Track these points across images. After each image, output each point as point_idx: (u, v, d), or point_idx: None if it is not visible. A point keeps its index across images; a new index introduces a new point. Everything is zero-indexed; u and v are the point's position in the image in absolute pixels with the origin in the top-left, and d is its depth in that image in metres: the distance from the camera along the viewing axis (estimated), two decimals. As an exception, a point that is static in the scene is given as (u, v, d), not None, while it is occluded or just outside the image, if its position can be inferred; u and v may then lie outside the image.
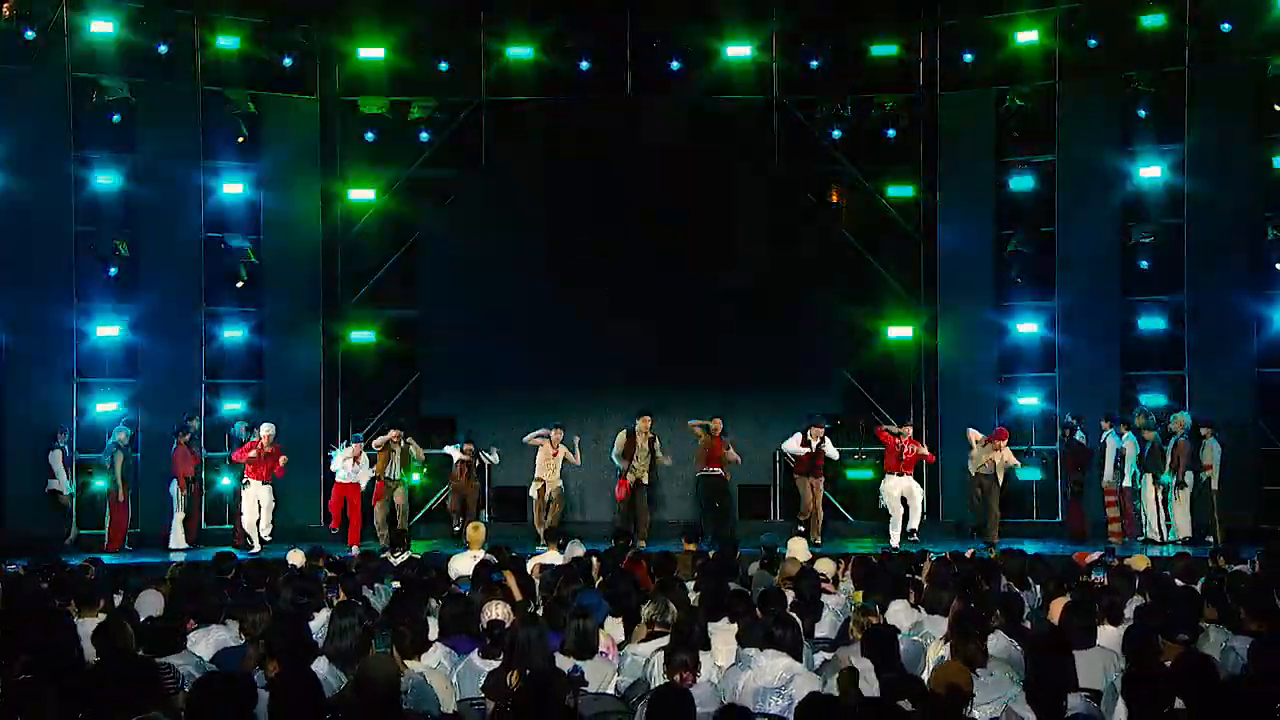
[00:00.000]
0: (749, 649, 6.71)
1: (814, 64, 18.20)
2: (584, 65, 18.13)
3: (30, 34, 16.29)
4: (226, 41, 17.35)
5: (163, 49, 17.05)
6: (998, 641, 7.22)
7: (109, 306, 16.82)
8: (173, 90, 17.27)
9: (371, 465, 16.10)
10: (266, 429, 15.96)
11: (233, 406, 17.49)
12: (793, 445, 16.14)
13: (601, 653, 7.13)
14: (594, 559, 10.87)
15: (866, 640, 6.64)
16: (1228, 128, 16.78)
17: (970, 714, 5.84)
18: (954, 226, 18.19)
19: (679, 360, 17.71)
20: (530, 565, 10.79)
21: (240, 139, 17.65)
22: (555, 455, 16.06)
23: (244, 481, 15.95)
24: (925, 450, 16.65)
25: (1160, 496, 15.88)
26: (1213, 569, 10.84)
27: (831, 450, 16.19)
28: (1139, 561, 10.63)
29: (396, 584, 10.06)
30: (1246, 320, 16.66)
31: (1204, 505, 15.74)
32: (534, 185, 18.27)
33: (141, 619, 7.73)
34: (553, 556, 11.74)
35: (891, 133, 18.26)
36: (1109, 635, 7.31)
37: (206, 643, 7.54)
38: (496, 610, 7.21)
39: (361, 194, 18.31)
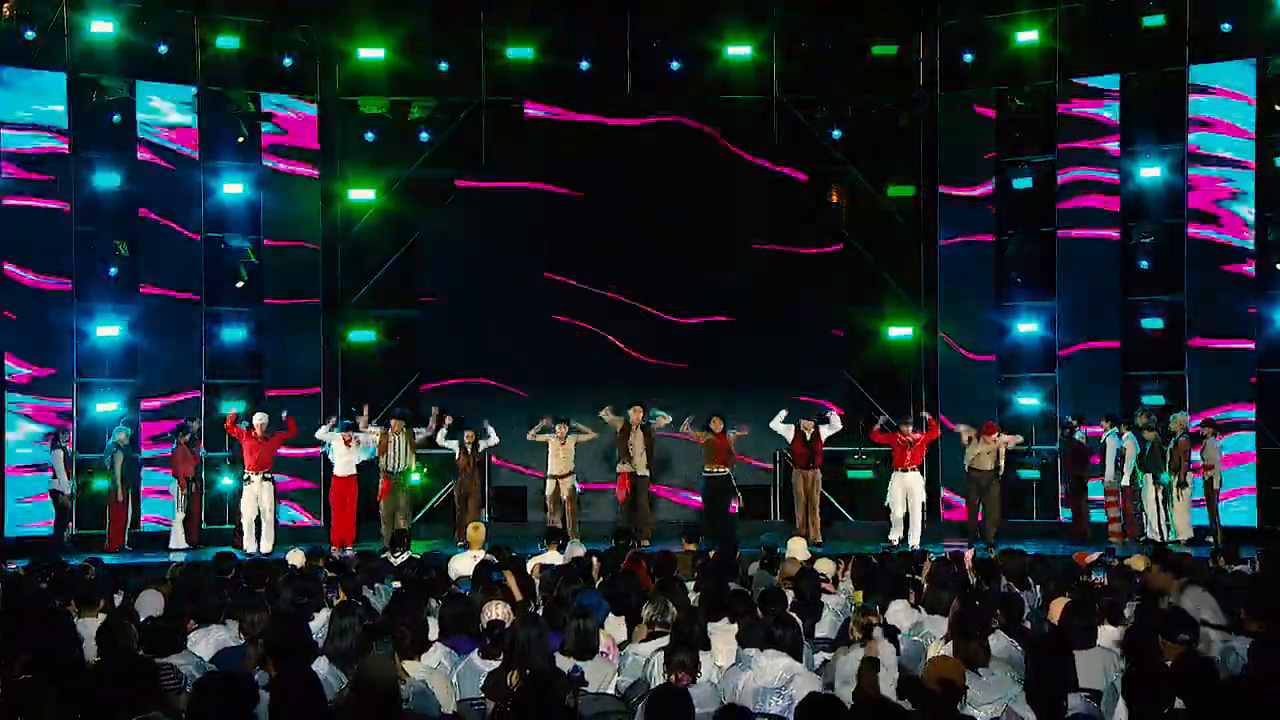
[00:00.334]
0: (749, 649, 6.71)
1: (814, 64, 18.19)
2: (584, 65, 18.13)
3: (30, 34, 16.29)
4: (226, 41, 17.35)
5: (163, 49, 17.05)
6: (998, 641, 7.22)
7: (109, 306, 16.83)
8: (172, 90, 17.26)
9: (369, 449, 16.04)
10: (259, 418, 15.84)
11: (233, 407, 17.45)
12: (778, 423, 16.04)
13: (602, 653, 7.13)
14: (594, 559, 10.87)
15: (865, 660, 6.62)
16: (1227, 128, 16.73)
17: (970, 714, 5.84)
18: (954, 226, 18.19)
19: (679, 360, 17.72)
20: (530, 565, 10.79)
21: (240, 139, 17.65)
22: (564, 445, 16.03)
23: (245, 478, 15.84)
24: (928, 434, 16.40)
25: (1160, 497, 15.89)
26: (1213, 569, 10.83)
27: (835, 424, 16.06)
28: (1139, 561, 10.63)
29: (396, 584, 10.06)
30: (1246, 320, 16.65)
31: (1207, 506, 15.74)
32: (533, 186, 18.24)
33: (141, 619, 7.72)
34: (553, 556, 11.74)
35: (891, 133, 18.24)
36: (1109, 635, 7.32)
37: (206, 643, 7.54)
38: (496, 610, 7.20)
39: (361, 194, 18.31)
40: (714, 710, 5.57)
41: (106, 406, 16.73)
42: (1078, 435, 16.70)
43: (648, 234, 17.94)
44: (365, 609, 7.60)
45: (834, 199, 18.90)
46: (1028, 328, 17.88)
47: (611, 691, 6.78)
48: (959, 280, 18.15)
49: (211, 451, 17.15)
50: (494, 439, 16.54)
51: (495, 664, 6.78)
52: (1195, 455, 15.77)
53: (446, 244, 18.36)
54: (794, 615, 7.41)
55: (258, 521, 15.74)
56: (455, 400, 17.90)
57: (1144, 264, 17.16)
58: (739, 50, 18.13)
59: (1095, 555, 11.81)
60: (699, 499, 16.81)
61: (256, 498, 15.68)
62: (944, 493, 17.71)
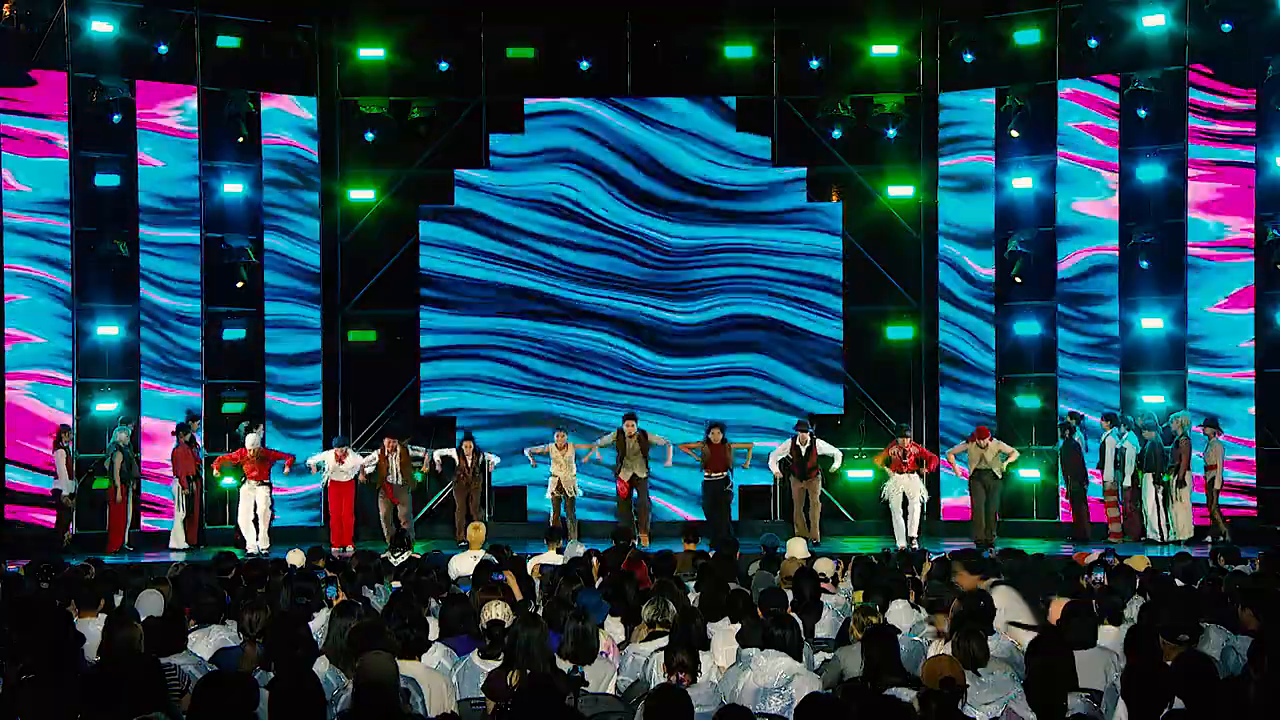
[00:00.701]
0: (749, 649, 6.71)
1: (814, 64, 18.20)
2: (584, 65, 18.13)
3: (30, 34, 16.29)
4: (226, 41, 17.34)
5: (163, 49, 17.05)
6: (998, 641, 7.22)
7: (109, 306, 16.83)
8: (172, 90, 17.26)
9: (370, 481, 16.16)
10: (251, 440, 15.93)
11: (233, 406, 17.48)
12: (773, 460, 16.22)
13: (602, 653, 7.13)
14: (594, 559, 10.87)
15: (867, 640, 6.64)
16: (1226, 128, 16.73)
17: (970, 714, 5.84)
18: (954, 226, 18.19)
19: (679, 360, 17.71)
20: (530, 565, 10.80)
21: (240, 139, 17.65)
22: (565, 451, 16.10)
23: (243, 480, 15.97)
24: (926, 451, 16.60)
25: (1160, 496, 15.89)
26: (1212, 569, 10.84)
27: (826, 448, 16.17)
28: (1139, 561, 10.64)
29: (396, 584, 10.06)
30: (1246, 320, 16.65)
31: (1210, 505, 15.74)
32: (533, 185, 18.23)
33: (142, 619, 7.72)
34: (552, 556, 11.74)
35: (891, 133, 18.24)
36: (1109, 635, 7.32)
37: (206, 643, 7.55)
38: (496, 610, 7.21)
39: (361, 194, 18.31)
40: (714, 710, 5.57)
41: (106, 407, 16.71)
42: (1077, 436, 16.70)
43: (647, 234, 17.91)
44: (365, 609, 7.61)
45: (834, 199, 18.89)
46: (1028, 328, 17.86)
47: (611, 692, 6.78)
48: (959, 280, 18.12)
49: (211, 451, 17.15)
50: (496, 460, 16.63)
51: (495, 664, 6.78)
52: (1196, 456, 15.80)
53: (446, 244, 18.33)
54: (794, 615, 7.42)
55: (256, 521, 15.84)
56: (455, 401, 17.96)
57: (1144, 264, 17.13)
58: (739, 50, 18.13)
59: (1095, 555, 11.81)
60: (698, 508, 16.91)
61: (253, 497, 15.83)
62: (945, 502, 17.70)
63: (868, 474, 17.47)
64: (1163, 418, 16.26)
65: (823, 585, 9.12)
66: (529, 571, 10.40)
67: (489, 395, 17.89)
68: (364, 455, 16.46)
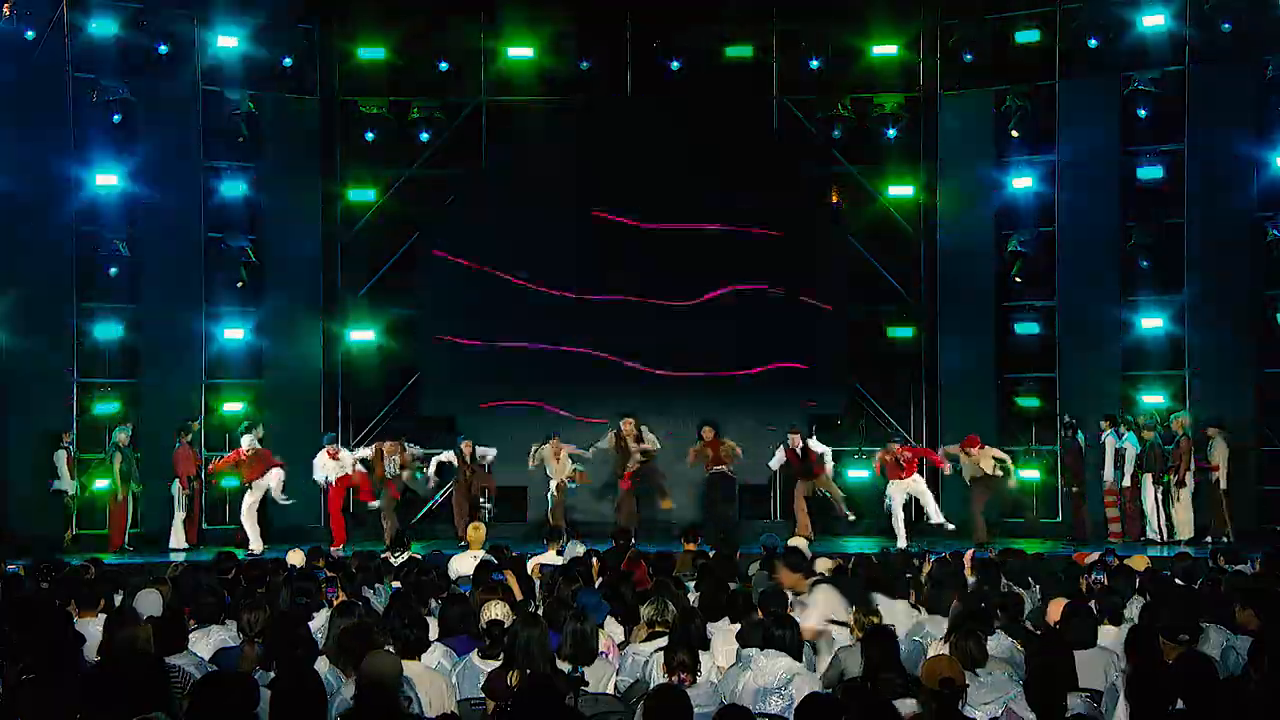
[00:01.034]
0: (749, 649, 6.71)
1: (814, 64, 18.20)
2: (584, 65, 18.13)
3: (30, 34, 16.29)
4: (226, 41, 17.35)
5: (163, 49, 17.05)
6: (998, 641, 7.23)
7: (110, 307, 16.83)
8: (173, 90, 17.27)
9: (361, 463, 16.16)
10: (248, 441, 15.95)
11: (233, 407, 17.48)
12: (774, 462, 16.33)
13: (602, 653, 7.13)
14: (594, 559, 10.87)
15: (867, 640, 6.64)
16: (1227, 128, 16.74)
17: (970, 714, 5.84)
18: (954, 226, 18.19)
19: (679, 361, 17.72)
20: (530, 565, 10.79)
21: (240, 139, 17.65)
22: (560, 456, 16.16)
23: (245, 486, 15.99)
24: (921, 450, 16.64)
25: (1160, 496, 15.90)
26: (1212, 569, 10.85)
27: (818, 446, 16.18)
28: (1139, 561, 10.64)
29: (396, 584, 10.06)
30: (1246, 320, 16.65)
31: (1212, 505, 15.75)
32: (534, 186, 18.24)
33: (142, 619, 7.72)
34: (552, 557, 11.74)
35: (891, 133, 18.24)
36: (1109, 635, 7.32)
37: (206, 643, 7.54)
38: (496, 610, 7.20)
39: (361, 194, 18.31)
40: (714, 710, 5.57)
41: (106, 407, 16.72)
42: (1078, 436, 16.70)
43: (647, 234, 17.92)
44: (365, 609, 7.62)
45: (834, 199, 18.89)
46: (1028, 328, 17.86)
47: (611, 692, 6.78)
48: (959, 280, 18.15)
49: (211, 451, 17.15)
50: (492, 455, 16.64)
51: (495, 664, 6.78)
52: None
53: (446, 244, 18.32)
54: (794, 615, 7.41)
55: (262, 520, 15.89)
56: (455, 400, 17.95)
57: (1144, 264, 17.14)
58: (739, 50, 18.12)
59: (1095, 555, 11.81)
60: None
61: (260, 496, 15.87)
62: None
63: (867, 474, 17.48)
64: (1163, 418, 16.26)
65: (822, 585, 9.10)
66: (529, 571, 10.39)
67: (488, 395, 17.85)
68: (355, 451, 16.41)
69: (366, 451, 16.31)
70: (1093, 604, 7.86)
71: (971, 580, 9.65)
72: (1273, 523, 16.09)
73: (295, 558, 11.51)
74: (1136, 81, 17.03)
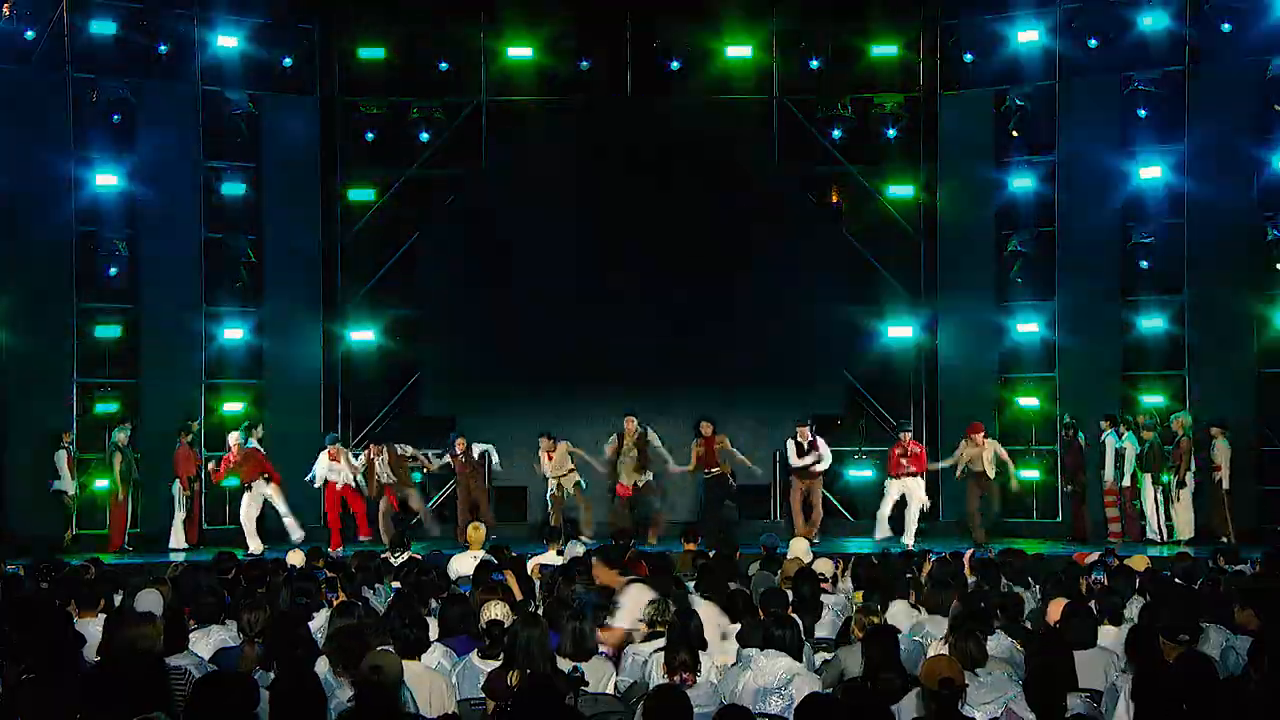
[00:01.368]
0: (749, 649, 6.71)
1: (814, 64, 18.21)
2: (584, 65, 18.14)
3: (30, 34, 16.30)
4: (226, 41, 17.35)
5: (163, 49, 17.06)
6: (998, 641, 7.23)
7: (110, 307, 16.84)
8: (173, 90, 17.27)
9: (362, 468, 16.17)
10: (234, 437, 15.94)
11: (233, 407, 17.49)
12: (793, 457, 16.20)
13: (601, 652, 7.13)
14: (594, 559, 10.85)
15: (867, 640, 6.64)
16: (1227, 128, 16.76)
17: (970, 714, 5.84)
18: (954, 226, 18.19)
19: (679, 360, 17.73)
20: (530, 565, 10.79)
21: (240, 139, 17.65)
22: (553, 456, 16.13)
23: (245, 486, 16.00)
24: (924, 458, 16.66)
25: (1160, 497, 15.90)
26: (1212, 569, 10.85)
27: (825, 454, 16.17)
28: (1139, 561, 10.63)
29: (396, 584, 10.06)
30: (1246, 320, 16.66)
31: (1214, 505, 15.75)
32: (534, 186, 18.24)
33: (155, 617, 7.72)
34: (552, 557, 11.74)
35: (891, 133, 18.25)
36: (1109, 635, 7.32)
37: (206, 643, 7.54)
38: (496, 610, 7.20)
39: (361, 194, 18.31)
40: (714, 710, 5.57)
41: (107, 406, 16.72)
42: (1078, 436, 16.69)
43: (647, 234, 17.93)
44: (365, 609, 7.62)
45: (834, 199, 18.88)
46: (1028, 328, 17.86)
47: (611, 691, 6.78)
48: (959, 280, 18.15)
49: (212, 452, 17.15)
50: (492, 453, 16.61)
51: (495, 664, 6.78)
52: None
53: (446, 244, 18.33)
54: (794, 615, 7.42)
55: (260, 519, 15.88)
56: (455, 400, 17.95)
57: (1144, 264, 17.14)
58: (739, 50, 18.14)
59: (1095, 555, 11.81)
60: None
61: (262, 499, 15.87)
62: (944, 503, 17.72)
63: (868, 474, 17.48)
64: (1163, 418, 16.26)
65: (822, 585, 9.12)
66: (529, 571, 10.39)
67: (489, 395, 17.86)
68: (356, 457, 16.39)
69: (359, 469, 16.23)
70: (1093, 604, 7.86)
71: (971, 580, 9.66)
72: (1273, 523, 16.09)
73: (295, 558, 11.51)
74: (1137, 81, 17.04)
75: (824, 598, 8.86)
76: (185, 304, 17.30)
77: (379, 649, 6.34)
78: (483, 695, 6.66)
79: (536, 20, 18.01)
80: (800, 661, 6.67)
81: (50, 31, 16.38)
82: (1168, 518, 15.92)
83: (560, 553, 11.99)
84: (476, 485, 16.42)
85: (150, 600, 8.47)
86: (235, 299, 17.69)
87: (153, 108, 17.11)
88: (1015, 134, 17.88)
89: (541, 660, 6.45)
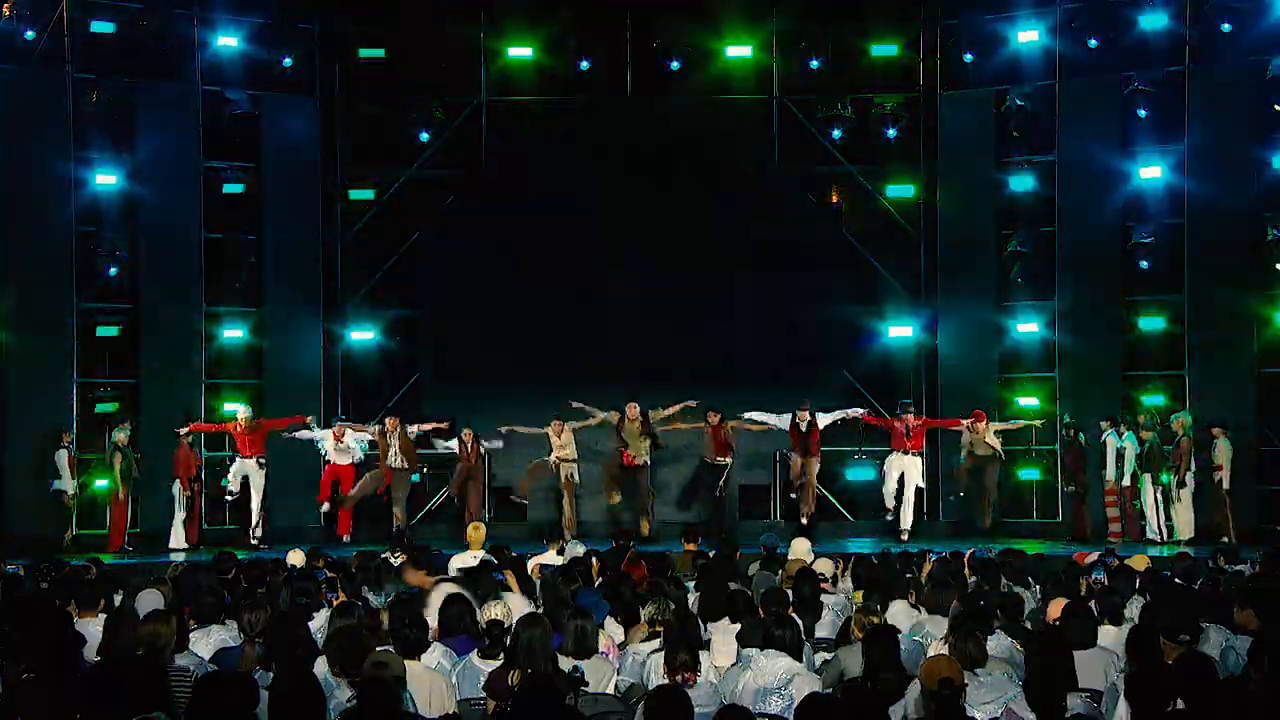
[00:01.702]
0: (749, 649, 6.71)
1: (814, 64, 18.22)
2: (584, 65, 18.14)
3: (30, 34, 16.30)
4: (226, 41, 17.35)
5: (163, 49, 17.05)
6: (998, 641, 7.23)
7: (109, 306, 16.84)
8: (173, 90, 17.27)
9: (369, 447, 16.11)
10: (243, 411, 16.00)
11: (233, 407, 17.48)
12: (770, 418, 16.18)
13: (601, 653, 7.13)
14: (594, 559, 10.87)
15: (867, 640, 6.64)
16: (1227, 128, 16.76)
17: (970, 714, 5.84)
18: (954, 226, 18.19)
19: (679, 360, 17.73)
20: (530, 565, 10.79)
21: (240, 139, 17.64)
22: (562, 436, 16.11)
23: (234, 453, 16.04)
24: (932, 421, 16.69)
25: (1160, 497, 15.90)
26: (1212, 569, 10.84)
27: (823, 419, 16.17)
28: (1139, 561, 10.64)
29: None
30: (1246, 320, 16.66)
31: (1215, 505, 15.75)
32: (534, 185, 18.24)
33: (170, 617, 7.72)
34: (552, 557, 11.74)
35: (891, 133, 18.25)
36: (1109, 635, 7.32)
37: (206, 643, 7.54)
38: (496, 610, 7.20)
39: (361, 194, 18.30)
40: (714, 710, 5.57)
41: (107, 406, 16.72)
42: (1079, 436, 16.69)
43: (647, 234, 17.94)
44: (365, 609, 7.62)
45: (834, 199, 18.88)
46: (1028, 328, 17.87)
47: (611, 691, 6.78)
48: (959, 280, 18.15)
49: (212, 452, 17.14)
50: (498, 445, 16.59)
51: (495, 664, 6.78)
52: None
53: (446, 244, 18.33)
54: (794, 615, 7.41)
55: (248, 505, 15.85)
56: (455, 400, 17.93)
57: (1144, 264, 17.14)
58: (739, 50, 18.14)
59: (1095, 555, 11.81)
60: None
61: (244, 473, 15.82)
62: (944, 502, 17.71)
63: (868, 474, 17.48)
64: (1163, 418, 16.26)
65: (822, 585, 9.12)
66: (529, 571, 10.39)
67: (489, 395, 17.86)
68: (371, 426, 16.39)
69: (371, 432, 16.22)
70: (1093, 604, 7.85)
71: (971, 580, 9.66)
72: (1273, 523, 16.09)
73: (295, 558, 11.50)
74: (1137, 81, 17.04)
75: (824, 598, 8.85)
76: (185, 304, 17.30)
77: (379, 649, 6.35)
78: (483, 695, 6.65)
79: (536, 20, 18.02)
80: (800, 661, 6.67)
81: (50, 31, 16.37)
82: (1168, 518, 15.92)
83: (560, 552, 11.99)
84: (477, 478, 16.43)
85: (150, 600, 8.47)
86: (235, 299, 17.69)
87: (153, 108, 17.10)
88: (1015, 134, 17.88)
89: (543, 660, 6.45)
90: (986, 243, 18.07)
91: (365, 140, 18.27)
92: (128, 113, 16.88)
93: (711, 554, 11.70)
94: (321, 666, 6.37)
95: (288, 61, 17.87)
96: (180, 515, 16.09)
